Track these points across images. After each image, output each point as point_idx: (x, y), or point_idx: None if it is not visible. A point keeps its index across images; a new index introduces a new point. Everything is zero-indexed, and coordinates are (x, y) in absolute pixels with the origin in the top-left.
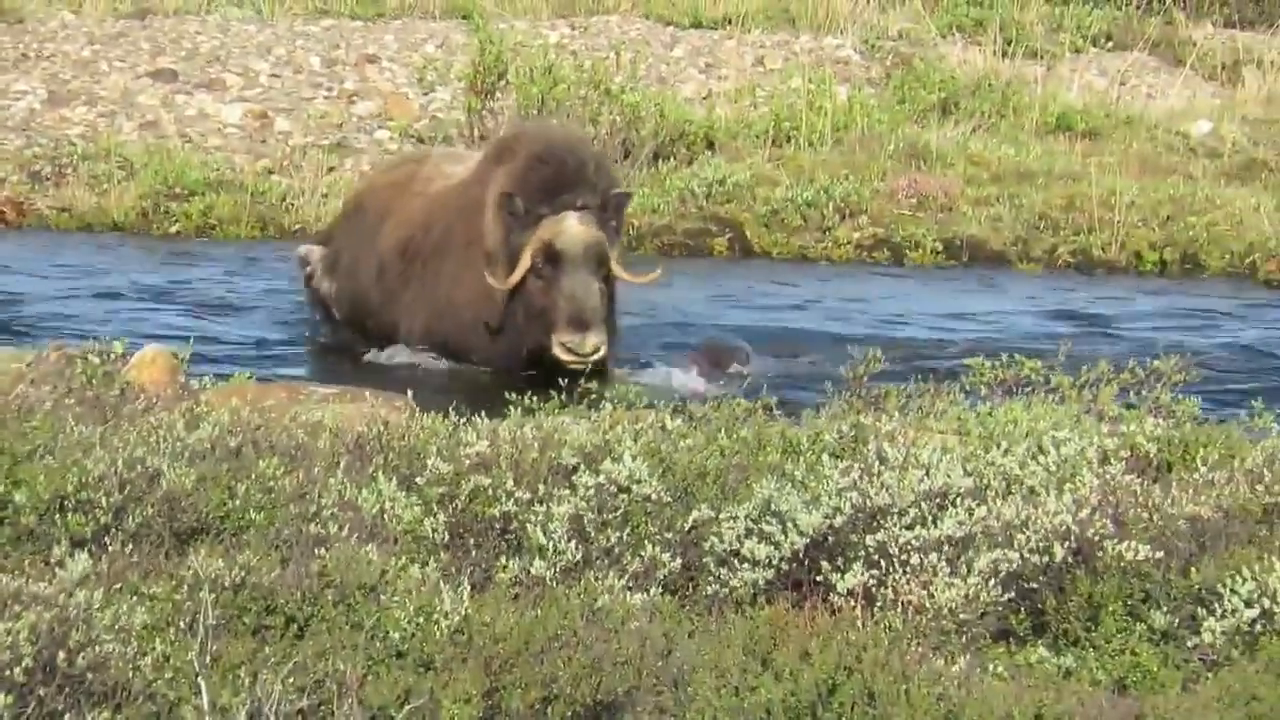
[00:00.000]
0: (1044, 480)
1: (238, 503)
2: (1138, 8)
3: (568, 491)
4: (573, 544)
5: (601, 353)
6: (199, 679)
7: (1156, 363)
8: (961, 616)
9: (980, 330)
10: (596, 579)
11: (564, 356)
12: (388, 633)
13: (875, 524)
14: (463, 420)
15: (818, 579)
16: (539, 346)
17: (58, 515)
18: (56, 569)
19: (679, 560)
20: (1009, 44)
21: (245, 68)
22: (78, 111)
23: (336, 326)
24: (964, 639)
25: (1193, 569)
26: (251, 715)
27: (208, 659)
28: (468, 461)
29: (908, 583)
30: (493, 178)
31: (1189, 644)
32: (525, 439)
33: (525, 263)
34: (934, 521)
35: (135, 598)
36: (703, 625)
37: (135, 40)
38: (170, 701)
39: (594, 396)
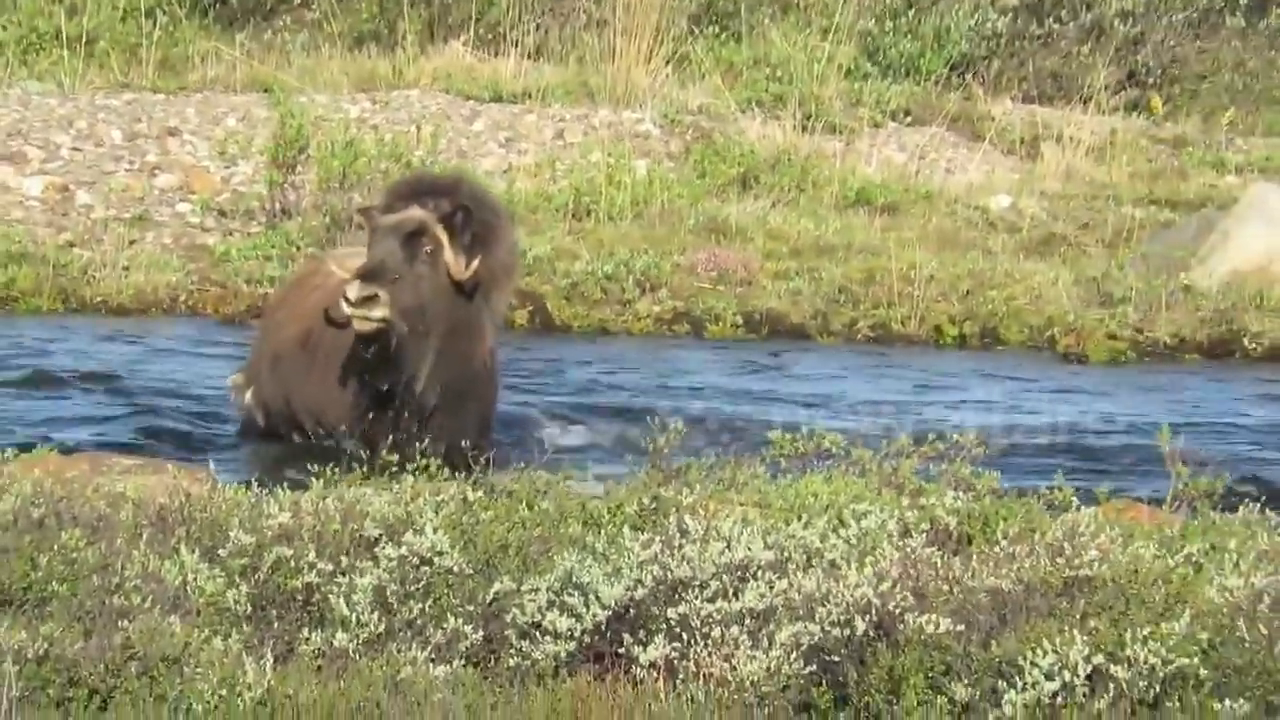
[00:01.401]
0: (845, 553)
1: (40, 574)
2: (936, 83)
3: (370, 563)
4: (375, 616)
5: (378, 312)
6: None
7: (956, 436)
8: (763, 689)
9: (780, 403)
10: (399, 651)
11: (344, 309)
12: (191, 705)
13: (677, 596)
14: (265, 492)
15: (620, 651)
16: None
17: None
18: None
19: (481, 632)
20: (808, 119)
21: (46, 141)
22: None
23: (265, 433)
24: (766, 712)
25: (993, 642)
26: None
27: None
28: (270, 533)
29: (710, 655)
30: None
31: (990, 717)
32: (327, 510)
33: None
34: (735, 594)
35: None
36: (505, 697)
37: None
38: None
39: (395, 469)
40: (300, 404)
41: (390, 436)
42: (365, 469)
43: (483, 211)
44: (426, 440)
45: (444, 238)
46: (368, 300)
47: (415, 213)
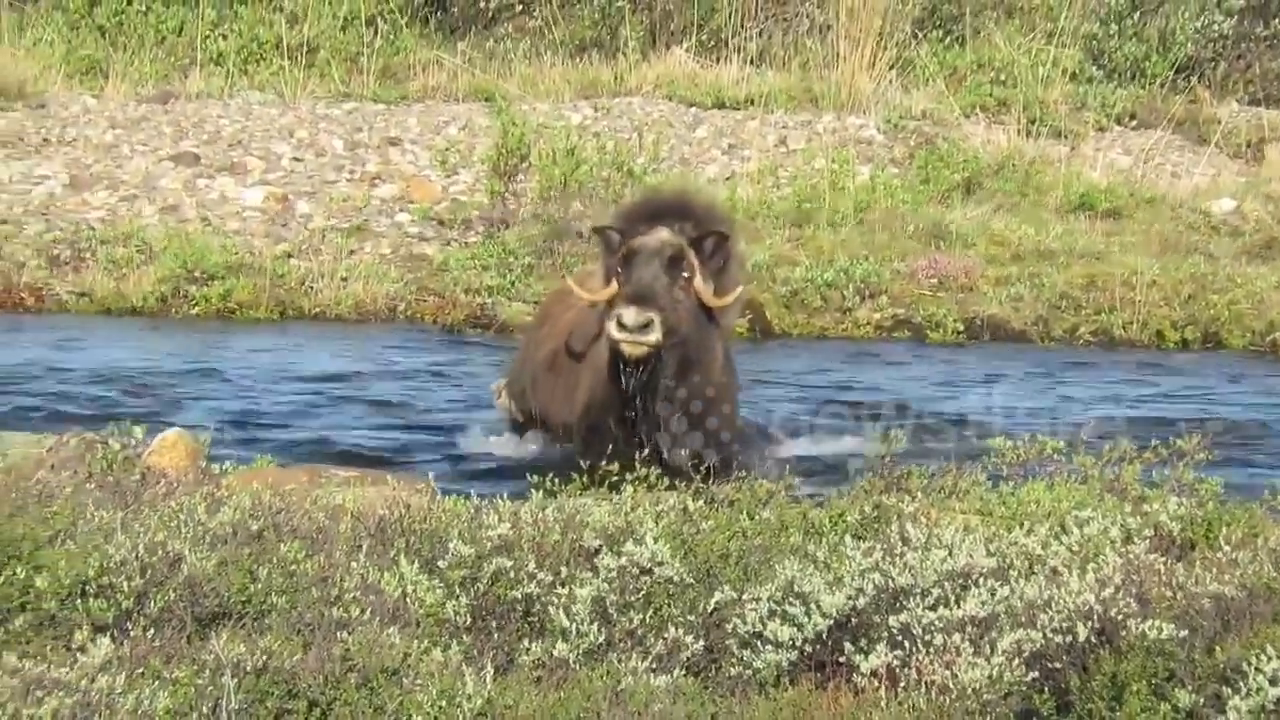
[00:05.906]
0: (1067, 560)
1: (259, 586)
2: (1162, 86)
3: (590, 573)
4: (595, 626)
5: (653, 336)
6: None
7: (1179, 441)
8: (985, 697)
9: (1005, 409)
10: (619, 661)
11: (615, 334)
12: (410, 716)
13: (898, 604)
14: (484, 502)
15: (841, 660)
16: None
17: (79, 600)
18: (78, 654)
19: (702, 642)
20: (1032, 123)
21: (267, 151)
22: (99, 196)
23: (522, 428)
24: (988, 719)
25: (1217, 647)
26: None
27: None
28: (489, 544)
29: (931, 663)
30: None
31: None
32: (547, 521)
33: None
34: (957, 602)
35: (157, 682)
36: (726, 707)
37: (157, 124)
38: None
39: (615, 478)
40: (550, 418)
41: (622, 446)
42: (585, 479)
43: (727, 235)
44: (667, 453)
45: (695, 263)
46: (644, 326)
47: (672, 237)
